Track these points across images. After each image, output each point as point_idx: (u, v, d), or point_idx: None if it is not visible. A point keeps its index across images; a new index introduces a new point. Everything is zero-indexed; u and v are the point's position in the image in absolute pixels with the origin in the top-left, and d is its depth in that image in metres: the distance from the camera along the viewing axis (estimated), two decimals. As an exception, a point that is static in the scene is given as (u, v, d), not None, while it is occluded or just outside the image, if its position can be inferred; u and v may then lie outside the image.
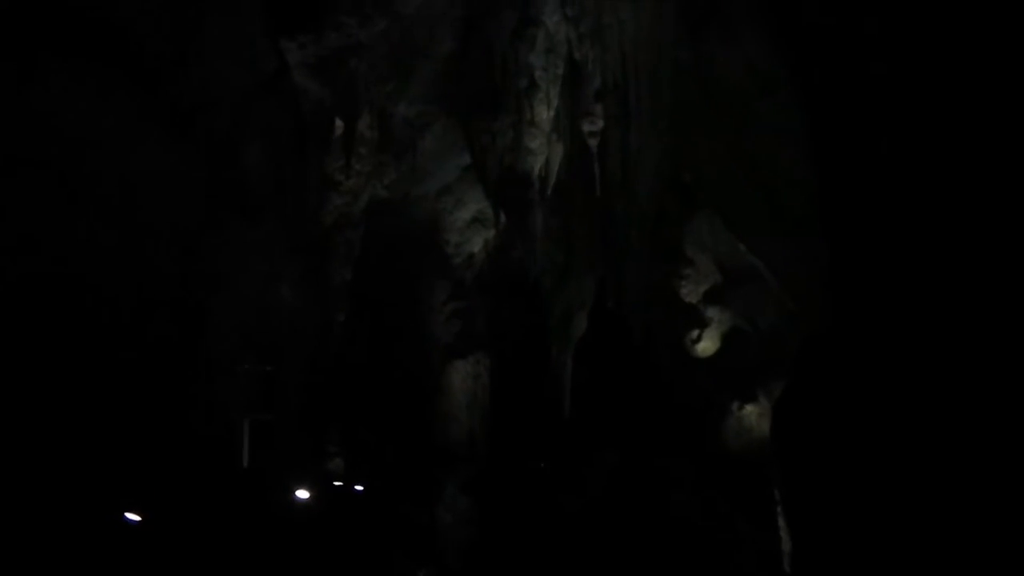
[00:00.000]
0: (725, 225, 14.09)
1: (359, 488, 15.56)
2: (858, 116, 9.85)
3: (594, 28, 14.50)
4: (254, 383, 14.50)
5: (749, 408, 14.67)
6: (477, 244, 17.94)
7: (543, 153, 15.86)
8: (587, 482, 15.30)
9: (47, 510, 10.51)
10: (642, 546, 14.40)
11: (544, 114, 15.51)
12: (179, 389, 13.83)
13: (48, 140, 12.40)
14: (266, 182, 15.00)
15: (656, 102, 14.30)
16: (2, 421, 11.38)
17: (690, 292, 15.24)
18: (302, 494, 12.85)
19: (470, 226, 17.89)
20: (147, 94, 13.26)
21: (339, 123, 15.20)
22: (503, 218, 16.71)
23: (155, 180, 13.68)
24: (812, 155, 11.03)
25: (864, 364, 9.14)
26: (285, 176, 15.04)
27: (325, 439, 15.64)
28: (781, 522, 11.17)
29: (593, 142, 15.48)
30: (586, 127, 15.48)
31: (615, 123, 14.76)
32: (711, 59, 13.70)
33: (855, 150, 9.81)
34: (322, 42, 14.13)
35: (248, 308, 15.23)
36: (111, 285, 13.41)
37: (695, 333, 15.23)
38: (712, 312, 15.13)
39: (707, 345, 15.23)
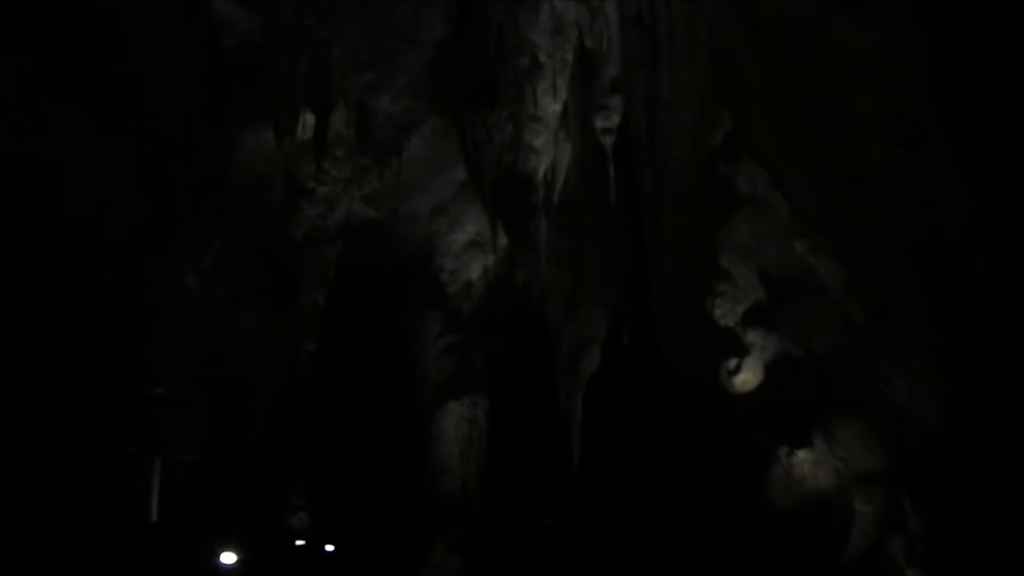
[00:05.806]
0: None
1: (329, 549, 13.05)
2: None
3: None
4: (177, 414, 11.96)
5: (801, 455, 11.88)
6: (475, 271, 15.62)
7: (548, 153, 13.65)
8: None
9: None
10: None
11: (550, 107, 13.32)
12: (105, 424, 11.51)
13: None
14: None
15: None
16: None
17: (726, 313, 12.55)
18: (228, 558, 10.13)
19: (467, 250, 15.57)
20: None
21: (310, 118, 13.11)
22: (504, 239, 14.58)
23: (82, 170, 11.45)
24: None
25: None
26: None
27: (287, 489, 13.15)
28: None
29: (608, 141, 13.27)
30: (600, 123, 13.29)
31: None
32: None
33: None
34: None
35: (197, 331, 12.92)
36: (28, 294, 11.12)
37: (732, 363, 12.50)
38: (753, 336, 12.40)
39: (747, 377, 12.48)
